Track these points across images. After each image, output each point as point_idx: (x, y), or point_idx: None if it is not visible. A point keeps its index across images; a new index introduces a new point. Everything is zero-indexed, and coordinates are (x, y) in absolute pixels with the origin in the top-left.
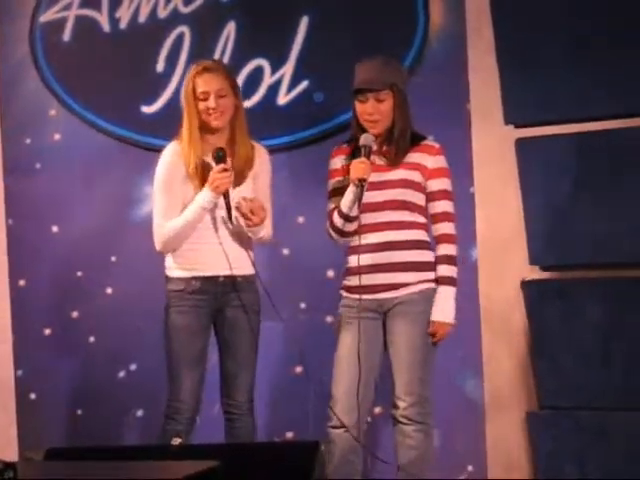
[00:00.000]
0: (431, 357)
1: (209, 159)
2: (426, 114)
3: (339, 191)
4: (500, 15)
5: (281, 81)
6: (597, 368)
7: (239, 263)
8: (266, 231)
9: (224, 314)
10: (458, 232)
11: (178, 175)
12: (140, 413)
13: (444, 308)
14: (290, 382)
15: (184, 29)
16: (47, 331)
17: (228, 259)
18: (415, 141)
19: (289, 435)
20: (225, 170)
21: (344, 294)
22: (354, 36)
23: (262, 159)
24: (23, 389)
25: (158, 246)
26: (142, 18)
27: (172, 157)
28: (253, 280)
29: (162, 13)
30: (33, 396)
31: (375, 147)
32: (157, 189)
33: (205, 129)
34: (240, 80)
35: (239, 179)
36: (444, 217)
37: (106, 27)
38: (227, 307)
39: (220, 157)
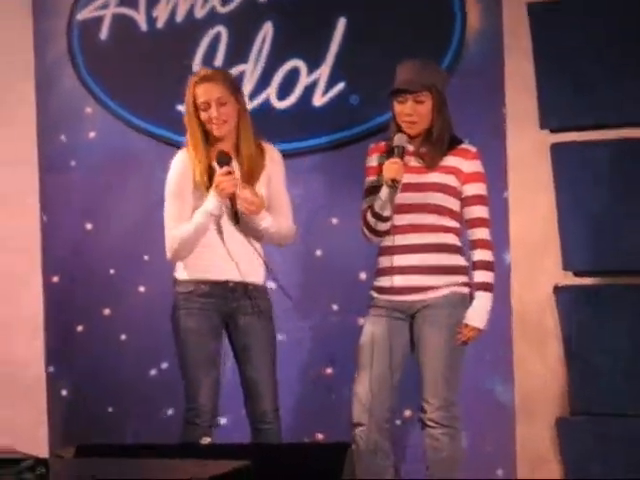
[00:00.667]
0: (458, 361)
1: (215, 164)
2: (461, 117)
3: (374, 190)
4: (537, 20)
5: (317, 82)
6: (629, 374)
7: (250, 270)
8: (277, 226)
9: (237, 322)
10: (492, 236)
11: (187, 183)
12: (171, 411)
13: (479, 313)
14: (320, 383)
15: (221, 29)
16: (79, 328)
17: (238, 267)
18: (452, 145)
19: (319, 436)
20: (229, 173)
21: (374, 295)
22: (391, 38)
23: (274, 160)
24: (54, 385)
25: (168, 253)
26: (179, 17)
27: (181, 166)
28: (264, 287)
29: (199, 13)
30: (64, 393)
31: (411, 148)
32: (167, 197)
33: (210, 136)
34: (276, 81)
35: (249, 180)
36: (480, 222)
37: (143, 26)
38: (239, 314)
39: (223, 161)
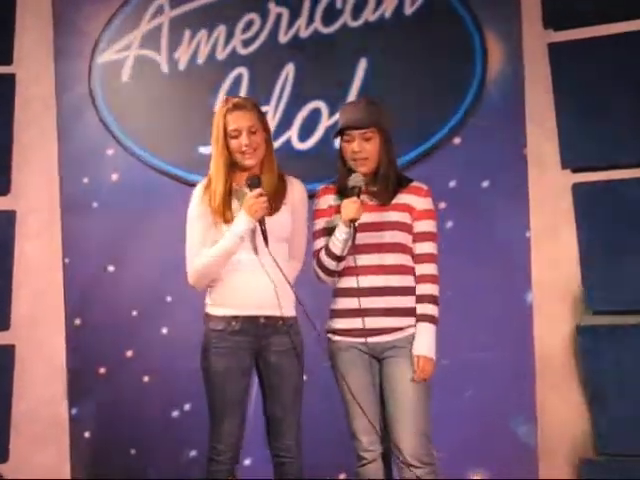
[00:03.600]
0: (429, 395)
1: (243, 187)
2: (483, 158)
3: (327, 231)
4: (558, 60)
5: (338, 124)
6: None
7: (282, 302)
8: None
9: (267, 359)
10: (514, 276)
11: (208, 211)
12: (194, 453)
13: (427, 343)
14: (343, 422)
15: (242, 70)
16: (102, 370)
17: (279, 299)
18: (403, 183)
19: (341, 477)
20: (261, 195)
21: (333, 337)
22: (411, 79)
23: (300, 194)
24: (77, 427)
25: (190, 279)
26: (201, 59)
27: (202, 192)
28: (295, 322)
29: (221, 54)
30: (87, 435)
31: (363, 188)
32: (188, 223)
33: (235, 166)
34: (297, 122)
35: (269, 211)
36: (429, 258)
37: (165, 68)
38: (269, 351)
39: (255, 183)
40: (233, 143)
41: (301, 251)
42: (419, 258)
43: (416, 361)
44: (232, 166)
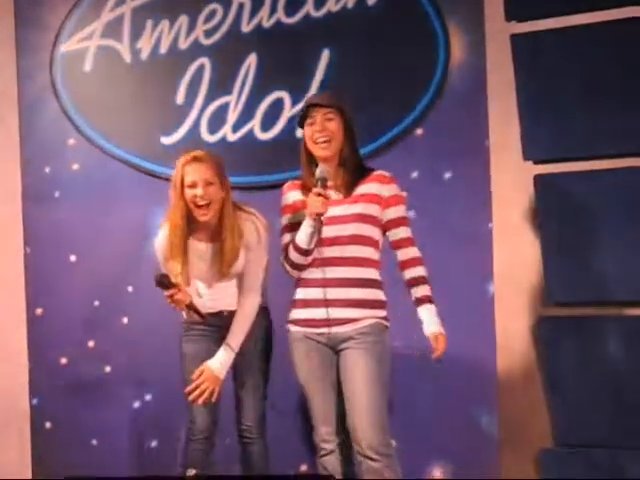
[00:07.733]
0: (386, 385)
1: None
2: (445, 149)
3: (294, 226)
4: (520, 51)
5: None
6: (612, 405)
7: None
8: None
9: None
10: (476, 267)
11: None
12: (155, 443)
13: (435, 321)
14: (306, 414)
15: (205, 61)
16: (63, 360)
17: (230, 299)
18: (365, 173)
19: (303, 468)
20: (172, 295)
21: (292, 328)
22: (374, 70)
23: (255, 233)
24: (38, 418)
25: None
26: (163, 49)
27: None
28: (259, 311)
29: (183, 44)
30: (48, 425)
31: (330, 183)
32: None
33: (192, 219)
34: (260, 112)
35: (224, 274)
36: (408, 242)
37: (127, 57)
38: None
39: (165, 284)
40: (188, 193)
41: (257, 284)
42: (398, 244)
43: (434, 339)
44: (189, 219)
